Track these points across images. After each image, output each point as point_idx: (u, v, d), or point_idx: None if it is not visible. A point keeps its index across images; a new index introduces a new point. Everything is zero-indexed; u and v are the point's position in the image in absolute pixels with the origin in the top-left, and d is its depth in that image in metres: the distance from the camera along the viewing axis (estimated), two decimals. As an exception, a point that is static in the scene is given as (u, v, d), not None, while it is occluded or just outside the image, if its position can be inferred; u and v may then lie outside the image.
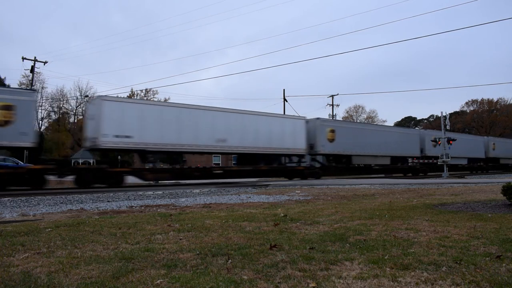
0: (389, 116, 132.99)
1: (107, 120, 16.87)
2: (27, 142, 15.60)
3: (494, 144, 42.71)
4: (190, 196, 13.05)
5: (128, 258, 3.67)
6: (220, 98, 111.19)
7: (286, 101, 40.32)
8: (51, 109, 46.15)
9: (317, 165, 26.70)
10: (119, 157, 39.17)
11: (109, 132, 16.86)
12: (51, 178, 17.47)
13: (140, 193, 13.83)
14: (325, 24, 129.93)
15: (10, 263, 3.59)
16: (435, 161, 33.55)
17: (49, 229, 5.44)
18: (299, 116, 25.48)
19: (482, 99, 71.79)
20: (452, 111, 71.56)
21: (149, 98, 48.26)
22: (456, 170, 36.79)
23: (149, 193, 13.92)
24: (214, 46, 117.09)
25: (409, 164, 33.42)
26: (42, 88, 40.93)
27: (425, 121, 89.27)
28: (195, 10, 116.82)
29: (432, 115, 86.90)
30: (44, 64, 34.53)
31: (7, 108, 15.15)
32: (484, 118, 69.25)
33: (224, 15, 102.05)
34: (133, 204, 9.91)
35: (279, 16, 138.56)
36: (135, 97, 47.97)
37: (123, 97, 25.60)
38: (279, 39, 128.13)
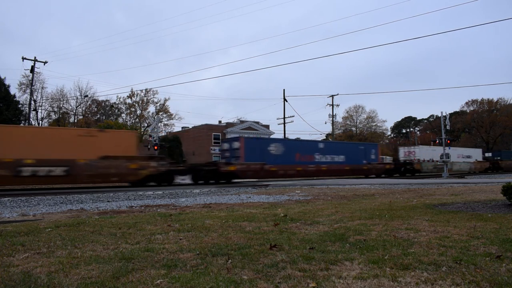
0: (389, 116, 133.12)
1: None
2: None
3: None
4: (190, 196, 13.04)
5: (128, 258, 3.67)
6: (222, 98, 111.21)
7: (286, 101, 40.32)
8: (51, 109, 46.10)
9: None
10: None
11: None
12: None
13: (140, 193, 13.83)
14: (327, 24, 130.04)
15: (10, 263, 3.59)
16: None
17: (49, 229, 5.44)
18: None
19: (482, 99, 71.66)
20: (452, 111, 71.59)
21: (149, 98, 48.39)
22: None
23: (149, 193, 13.92)
24: (216, 46, 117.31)
25: None
26: (42, 88, 40.83)
27: (425, 121, 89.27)
28: (197, 9, 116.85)
29: (432, 115, 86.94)
30: (44, 64, 34.39)
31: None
32: (484, 118, 69.07)
33: (227, 15, 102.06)
34: (133, 204, 9.90)
35: (282, 15, 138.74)
36: (135, 97, 48.08)
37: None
38: (282, 38, 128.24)
